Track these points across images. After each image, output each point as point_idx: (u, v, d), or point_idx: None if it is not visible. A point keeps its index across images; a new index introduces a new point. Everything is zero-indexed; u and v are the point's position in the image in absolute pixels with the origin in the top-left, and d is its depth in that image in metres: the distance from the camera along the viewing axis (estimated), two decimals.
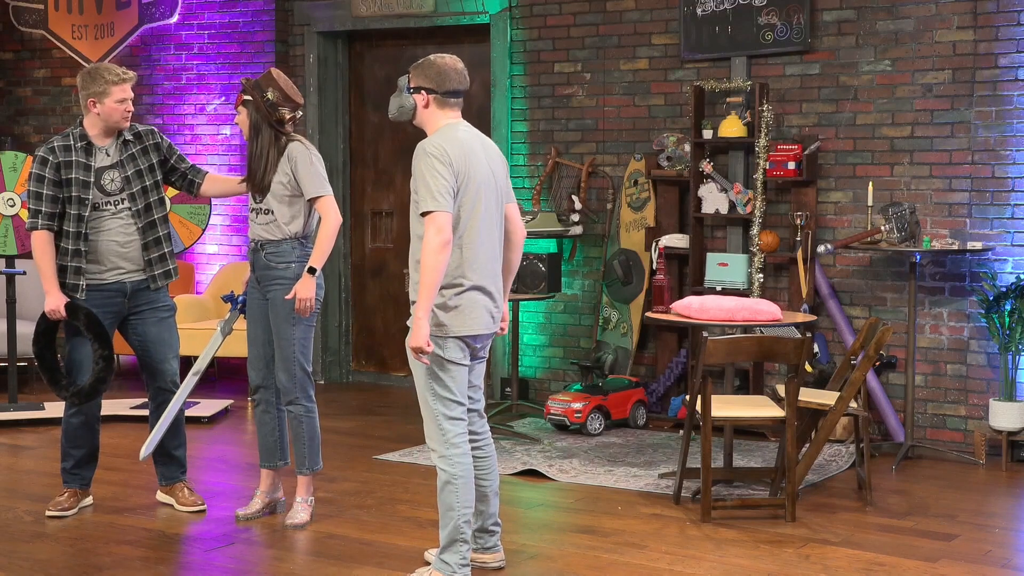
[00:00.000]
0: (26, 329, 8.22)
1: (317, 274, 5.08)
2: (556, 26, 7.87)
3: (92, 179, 5.16)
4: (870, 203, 6.63)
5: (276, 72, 5.19)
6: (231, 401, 7.75)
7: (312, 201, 5.10)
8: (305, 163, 5.07)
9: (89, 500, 5.46)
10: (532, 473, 6.11)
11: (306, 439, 5.21)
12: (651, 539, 5.02)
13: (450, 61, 4.37)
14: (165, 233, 5.30)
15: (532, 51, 7.95)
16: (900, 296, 6.87)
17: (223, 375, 8.99)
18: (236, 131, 8.86)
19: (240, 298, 5.35)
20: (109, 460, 6.38)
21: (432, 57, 4.39)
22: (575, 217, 7.70)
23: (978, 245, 6.53)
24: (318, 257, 5.06)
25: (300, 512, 5.23)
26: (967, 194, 6.70)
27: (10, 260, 7.47)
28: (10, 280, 7.43)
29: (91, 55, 9.27)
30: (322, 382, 8.75)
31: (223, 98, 8.93)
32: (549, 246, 7.77)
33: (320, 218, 5.12)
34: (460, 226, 4.24)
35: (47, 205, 5.13)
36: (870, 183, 6.73)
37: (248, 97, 5.12)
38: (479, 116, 7.97)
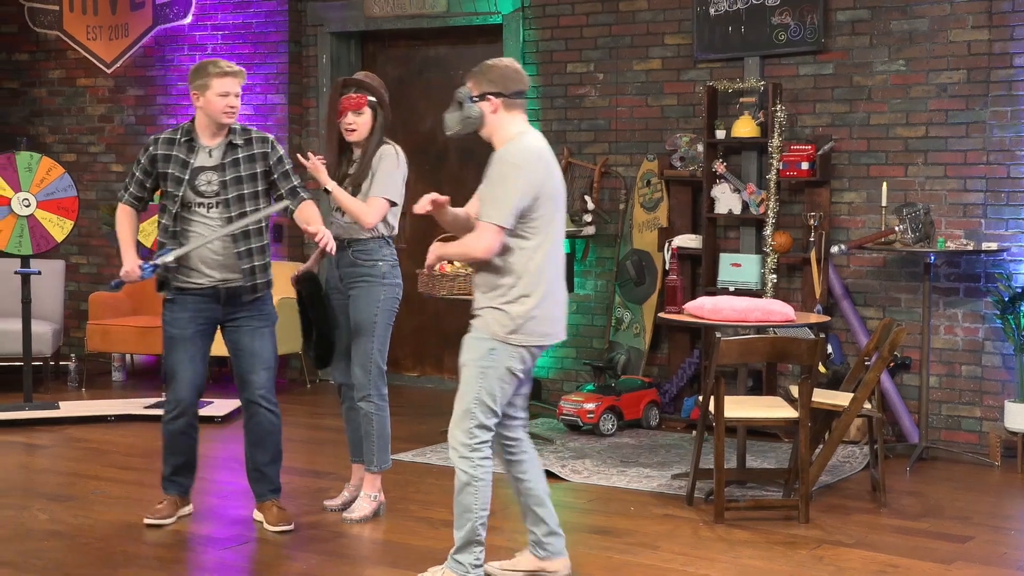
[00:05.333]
0: (41, 328, 8.26)
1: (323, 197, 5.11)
2: (569, 26, 7.87)
3: (187, 177, 4.97)
4: (884, 203, 6.62)
5: None
6: None
7: (368, 198, 5.12)
8: (390, 164, 5.15)
9: (189, 509, 5.32)
10: (545, 473, 6.10)
11: (375, 436, 5.28)
12: (664, 540, 5.01)
13: (508, 62, 4.29)
14: (259, 245, 5.04)
15: (545, 51, 7.95)
16: (914, 297, 6.86)
17: None
18: None
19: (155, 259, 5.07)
20: (123, 459, 6.41)
21: (489, 62, 4.29)
22: (588, 217, 7.69)
23: (993, 246, 6.51)
24: (340, 195, 5.10)
25: (363, 506, 5.29)
26: (982, 194, 6.68)
27: (25, 260, 7.49)
28: (25, 280, 7.45)
29: (105, 56, 9.30)
30: (332, 382, 8.74)
31: None
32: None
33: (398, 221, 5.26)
34: (539, 235, 4.17)
35: (134, 187, 5.07)
36: (884, 183, 6.71)
37: (374, 98, 5.19)
38: None
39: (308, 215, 5.02)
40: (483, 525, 4.27)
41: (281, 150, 5.14)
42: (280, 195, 5.08)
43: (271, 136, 5.16)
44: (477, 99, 4.24)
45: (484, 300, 4.22)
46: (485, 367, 4.20)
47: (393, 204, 5.17)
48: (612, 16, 7.73)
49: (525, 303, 4.17)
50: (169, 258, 4.94)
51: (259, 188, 5.06)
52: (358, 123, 5.17)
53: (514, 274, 4.18)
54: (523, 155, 4.14)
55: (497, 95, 4.22)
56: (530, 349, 4.23)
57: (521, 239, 4.16)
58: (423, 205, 4.30)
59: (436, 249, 4.39)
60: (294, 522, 5.15)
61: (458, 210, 4.45)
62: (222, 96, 4.97)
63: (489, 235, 4.10)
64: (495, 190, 4.12)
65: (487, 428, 4.25)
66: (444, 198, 4.33)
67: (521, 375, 4.27)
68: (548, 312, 4.23)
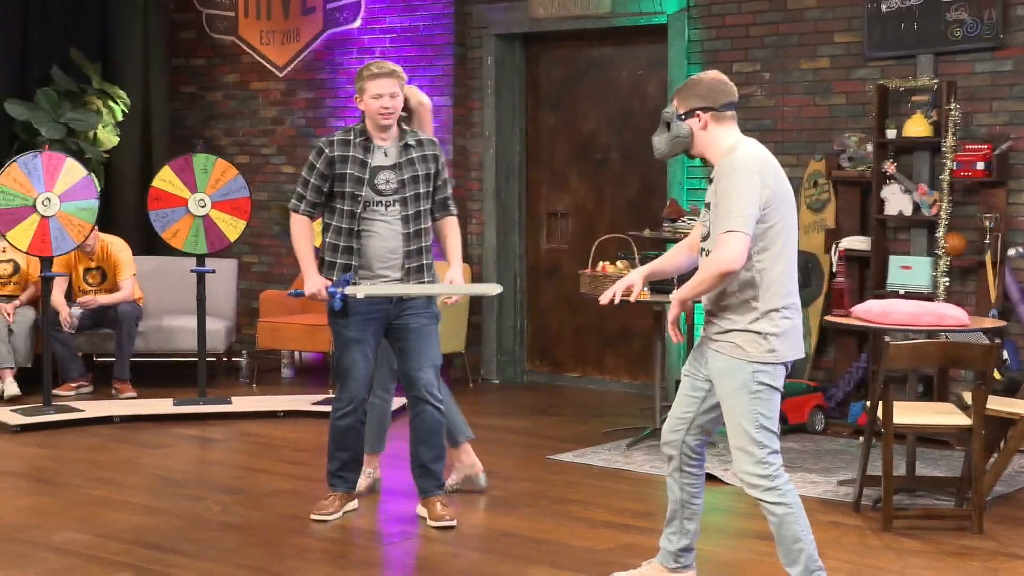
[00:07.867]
0: (215, 325, 8.53)
1: None
2: (734, 25, 7.78)
3: (367, 176, 5.05)
4: None
5: None
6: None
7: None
8: None
9: (354, 504, 5.38)
10: (707, 477, 6.03)
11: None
12: (830, 547, 4.91)
13: (714, 75, 4.11)
14: (427, 245, 5.18)
15: (710, 51, 7.87)
16: None
17: None
18: None
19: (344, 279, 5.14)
20: (292, 454, 6.58)
21: (694, 77, 4.15)
22: None
23: None
24: None
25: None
26: None
27: (200, 259, 7.75)
28: (200, 278, 7.71)
29: (278, 60, 9.56)
30: (496, 382, 8.84)
31: None
32: None
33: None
34: (779, 241, 3.97)
35: (311, 194, 5.09)
36: None
37: None
38: (656, 117, 7.92)
39: (449, 232, 5.25)
40: (815, 549, 4.08)
41: (443, 157, 5.25)
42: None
43: (436, 140, 5.27)
44: (685, 117, 4.06)
45: (726, 323, 4.01)
46: (754, 392, 3.98)
47: None
48: (779, 14, 7.61)
49: (774, 318, 3.96)
50: (360, 295, 5.03)
51: (429, 189, 5.17)
52: None
53: (758, 288, 3.96)
54: (748, 161, 3.95)
55: (706, 109, 4.03)
56: (787, 364, 4.04)
57: (762, 251, 3.95)
58: (610, 296, 4.20)
59: (676, 297, 4.10)
60: (456, 519, 5.20)
61: (668, 257, 4.38)
62: (375, 98, 5.04)
63: (736, 243, 3.85)
64: (729, 201, 3.90)
65: (776, 452, 4.05)
66: (635, 286, 4.19)
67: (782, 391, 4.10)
68: (796, 323, 4.03)
